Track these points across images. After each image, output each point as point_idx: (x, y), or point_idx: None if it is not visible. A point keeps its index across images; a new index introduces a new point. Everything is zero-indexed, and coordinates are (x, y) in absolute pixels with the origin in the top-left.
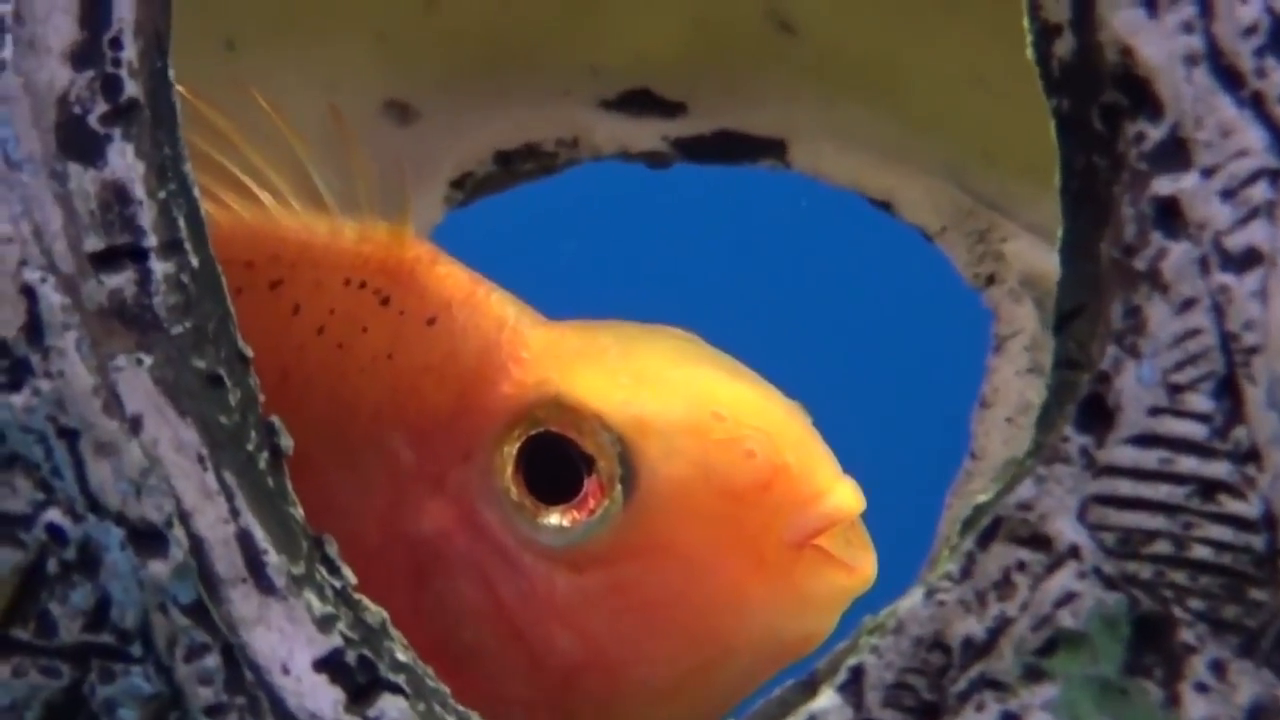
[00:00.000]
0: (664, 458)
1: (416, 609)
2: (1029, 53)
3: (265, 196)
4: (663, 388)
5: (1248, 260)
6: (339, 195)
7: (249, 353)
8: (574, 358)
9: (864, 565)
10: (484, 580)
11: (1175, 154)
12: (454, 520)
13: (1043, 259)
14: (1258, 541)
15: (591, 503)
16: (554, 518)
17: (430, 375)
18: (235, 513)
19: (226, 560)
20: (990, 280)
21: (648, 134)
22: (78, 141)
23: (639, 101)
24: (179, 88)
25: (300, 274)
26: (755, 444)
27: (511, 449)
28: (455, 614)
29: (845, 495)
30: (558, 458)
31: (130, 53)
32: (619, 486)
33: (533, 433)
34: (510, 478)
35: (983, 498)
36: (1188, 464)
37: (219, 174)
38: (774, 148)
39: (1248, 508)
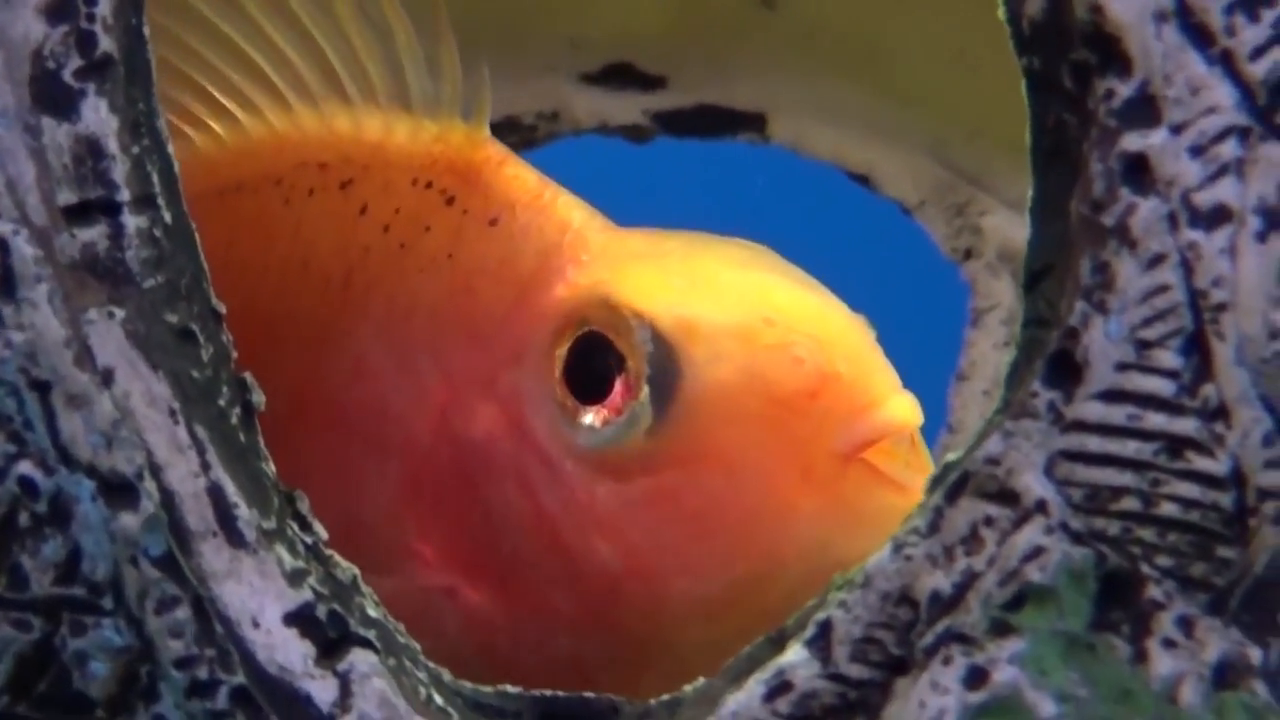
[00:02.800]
0: (710, 361)
1: (464, 516)
2: (1000, 12)
3: (352, 88)
4: (716, 291)
5: (1217, 217)
6: (427, 93)
7: (222, 309)
8: (631, 260)
9: (917, 485)
10: (528, 487)
11: (1144, 111)
12: (502, 425)
13: (1021, 233)
14: (1226, 499)
15: (619, 402)
16: (588, 417)
17: (488, 276)
18: (206, 466)
19: (197, 513)
20: (968, 254)
21: (628, 108)
22: (52, 96)
23: (620, 75)
24: None
25: (371, 174)
26: (805, 350)
27: (561, 350)
28: (501, 522)
29: (899, 408)
30: (603, 359)
31: (105, 8)
32: (646, 387)
33: (580, 333)
34: (557, 379)
35: (952, 456)
36: (1156, 420)
37: (306, 62)
38: (754, 121)
39: (1216, 465)
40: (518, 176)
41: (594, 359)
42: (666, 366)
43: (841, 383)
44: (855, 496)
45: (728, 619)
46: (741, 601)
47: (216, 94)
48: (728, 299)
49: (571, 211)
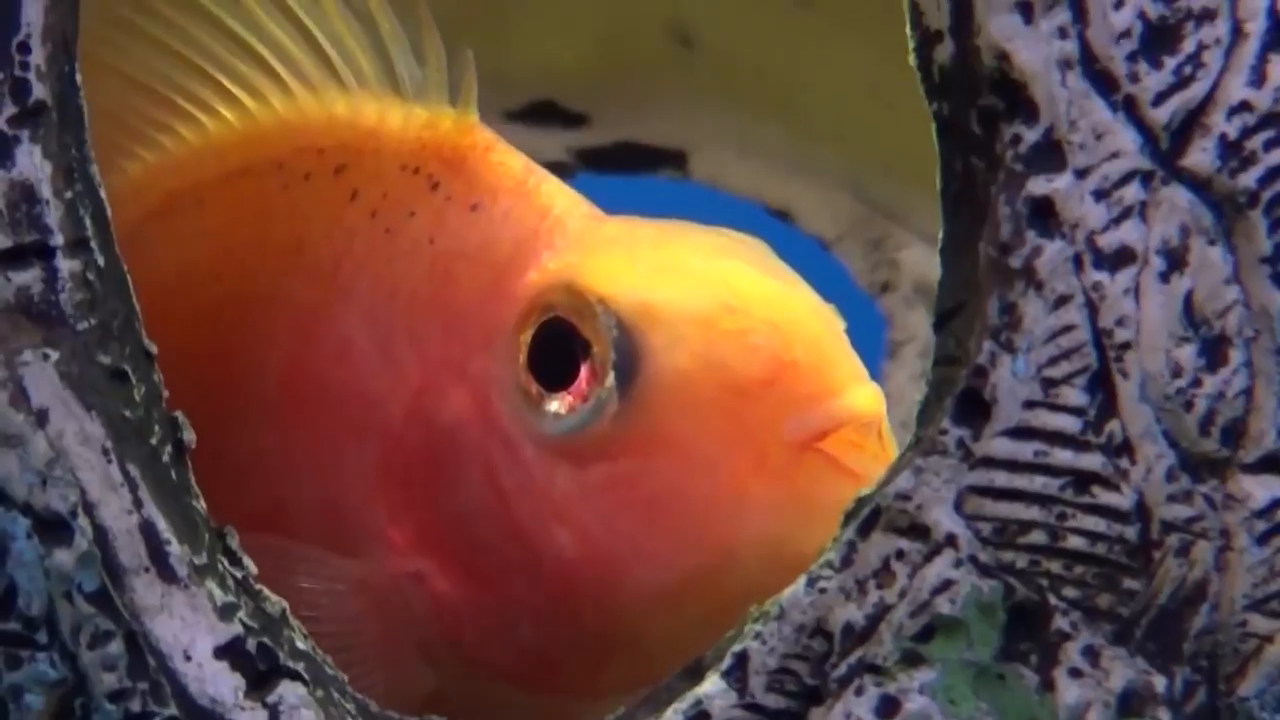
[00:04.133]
0: (668, 347)
1: (434, 502)
2: (911, 59)
3: (346, 74)
4: (680, 277)
5: (1120, 258)
6: (415, 80)
7: (153, 349)
8: (603, 246)
9: (877, 476)
10: (491, 473)
11: (1050, 155)
12: (471, 410)
13: (936, 266)
14: (1130, 532)
15: (585, 389)
16: (554, 404)
17: (466, 261)
18: (139, 503)
19: (130, 550)
20: (885, 287)
21: (551, 144)
22: None
23: (543, 113)
24: None
25: (363, 160)
26: (763, 337)
27: (527, 336)
28: (467, 509)
29: (858, 397)
30: (568, 345)
31: (38, 57)
32: (612, 373)
33: (545, 319)
34: (522, 365)
35: (865, 490)
36: (1062, 456)
37: (306, 51)
38: (674, 158)
39: (1121, 499)
40: (503, 163)
41: (560, 345)
42: (628, 352)
43: (799, 371)
44: (810, 486)
45: (686, 609)
46: (698, 591)
47: (226, 82)
48: (690, 285)
49: (554, 198)
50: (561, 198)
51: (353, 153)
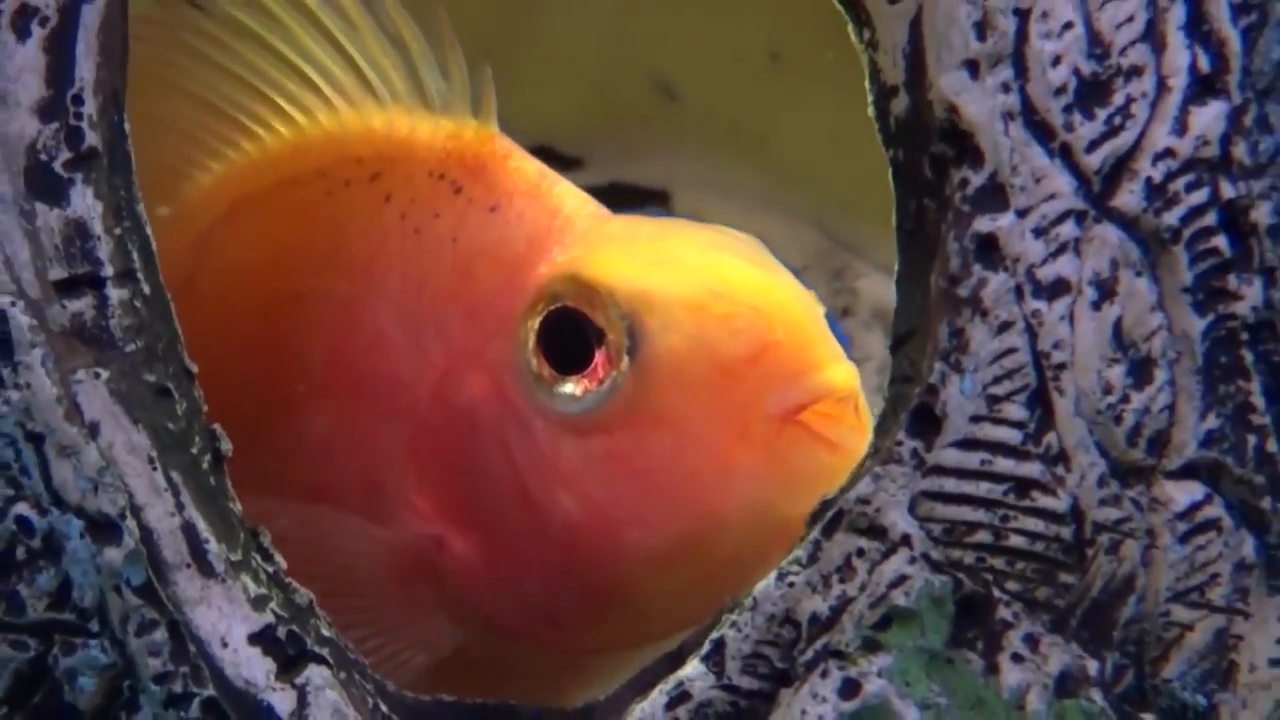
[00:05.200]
0: (662, 330)
1: (454, 473)
2: (870, 110)
3: (382, 90)
4: (672, 267)
5: (1057, 289)
6: (441, 94)
7: (194, 368)
8: (606, 241)
9: (855, 447)
10: (505, 447)
11: (994, 197)
12: (487, 392)
13: (892, 294)
14: (1066, 532)
15: (601, 373)
16: (569, 387)
17: (484, 258)
18: (181, 507)
19: (173, 548)
20: (845, 312)
21: None
22: (44, 184)
23: (541, 157)
24: None
25: (396, 168)
26: (747, 320)
27: (534, 323)
28: (483, 478)
29: (835, 374)
30: (576, 331)
31: (90, 107)
32: (626, 358)
33: (553, 307)
34: (532, 349)
35: (828, 495)
36: (1005, 465)
37: (347, 71)
38: (658, 197)
39: (1057, 503)
40: (519, 168)
41: (572, 332)
42: (630, 335)
43: (780, 350)
44: (791, 455)
45: (678, 571)
46: (689, 554)
47: (279, 100)
48: (681, 273)
49: (565, 199)
50: (571, 199)
51: (387, 161)
